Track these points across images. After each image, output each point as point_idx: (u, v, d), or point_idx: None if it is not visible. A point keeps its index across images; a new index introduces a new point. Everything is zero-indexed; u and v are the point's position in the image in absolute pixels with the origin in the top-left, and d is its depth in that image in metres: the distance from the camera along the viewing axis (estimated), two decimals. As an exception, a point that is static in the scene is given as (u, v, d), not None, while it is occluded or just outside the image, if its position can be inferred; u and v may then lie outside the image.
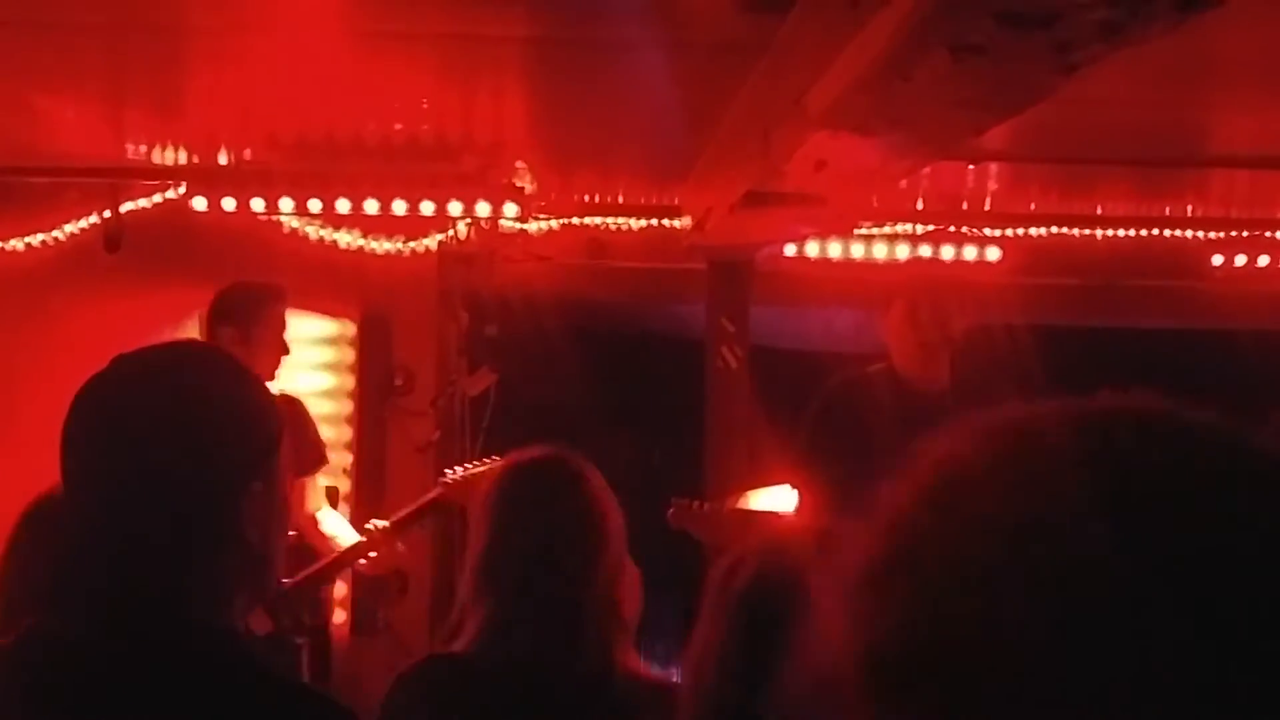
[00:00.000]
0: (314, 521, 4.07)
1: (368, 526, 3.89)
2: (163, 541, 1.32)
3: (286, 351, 3.95)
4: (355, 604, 4.61)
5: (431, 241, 4.77)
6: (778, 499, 3.84)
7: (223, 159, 4.40)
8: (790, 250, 4.75)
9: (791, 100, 2.35)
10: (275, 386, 3.98)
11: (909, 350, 3.55)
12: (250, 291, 3.91)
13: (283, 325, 3.95)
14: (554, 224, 4.87)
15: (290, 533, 3.96)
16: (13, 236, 4.67)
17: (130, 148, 4.33)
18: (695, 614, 1.55)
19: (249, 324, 3.82)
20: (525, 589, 1.95)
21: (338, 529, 4.06)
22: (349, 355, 4.93)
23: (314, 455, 4.09)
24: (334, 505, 4.46)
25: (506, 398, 4.59)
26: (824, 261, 4.83)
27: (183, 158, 4.43)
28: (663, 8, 2.79)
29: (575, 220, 4.90)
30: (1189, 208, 5.03)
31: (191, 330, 4.46)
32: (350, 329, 4.92)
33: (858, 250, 4.82)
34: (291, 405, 4.04)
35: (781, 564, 1.44)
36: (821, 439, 3.53)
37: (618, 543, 2.02)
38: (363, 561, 3.91)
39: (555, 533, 1.98)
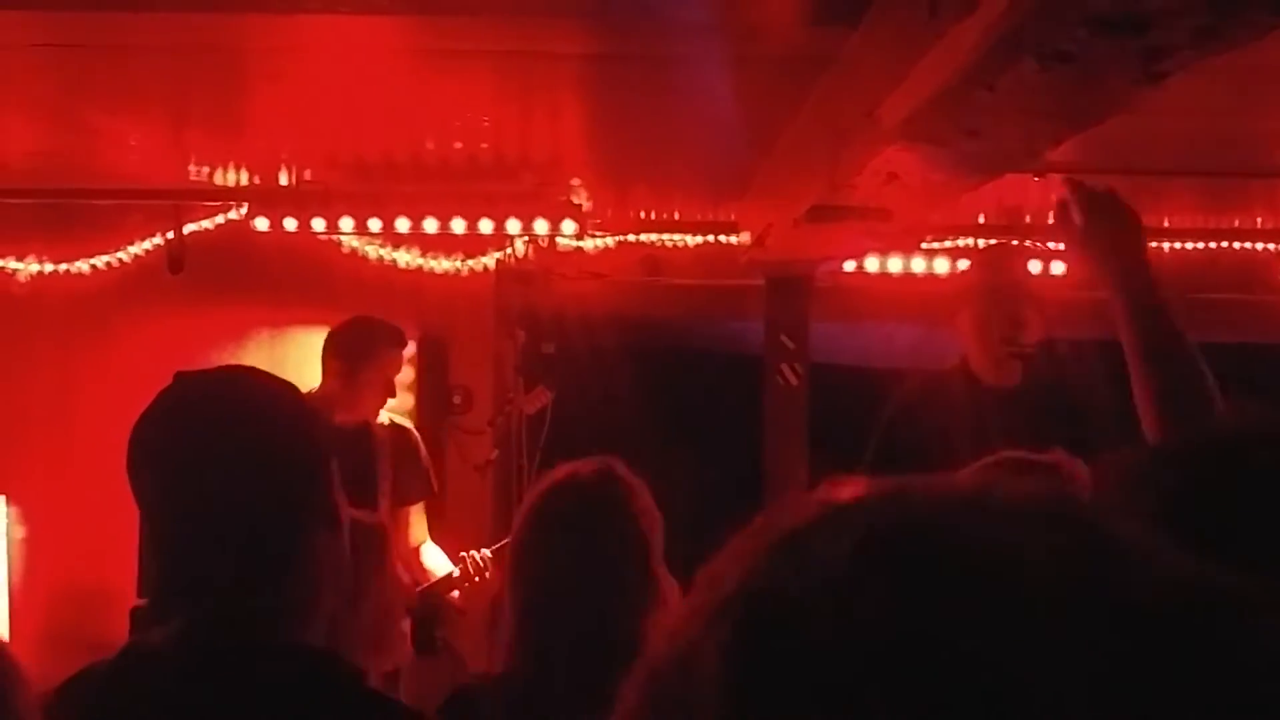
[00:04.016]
0: (416, 553, 4.07)
1: (464, 555, 3.88)
2: (259, 540, 1.33)
3: (392, 394, 3.95)
4: (414, 624, 4.60)
5: (489, 260, 4.77)
6: None
7: (284, 179, 4.42)
8: (850, 265, 4.69)
9: (863, 113, 2.31)
10: (384, 415, 3.99)
11: (979, 361, 3.48)
12: (364, 329, 3.91)
13: (394, 369, 3.94)
14: (610, 241, 4.86)
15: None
16: (78, 258, 4.73)
17: (193, 169, 4.37)
18: None
19: (356, 361, 3.83)
20: (552, 613, 1.91)
21: (437, 563, 4.04)
22: (407, 374, 4.92)
23: (420, 485, 4.09)
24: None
25: (563, 416, 4.56)
26: (884, 276, 4.77)
27: (244, 179, 4.47)
28: (725, 23, 2.76)
29: (632, 237, 4.89)
30: (1259, 219, 4.92)
31: (254, 349, 4.49)
32: (409, 348, 4.92)
33: (919, 265, 4.75)
34: (402, 434, 4.06)
35: None
36: (898, 441, 3.45)
37: (651, 563, 1.96)
38: (457, 592, 3.91)
39: (585, 555, 1.93)
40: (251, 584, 1.33)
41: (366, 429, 3.90)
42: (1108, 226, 1.99)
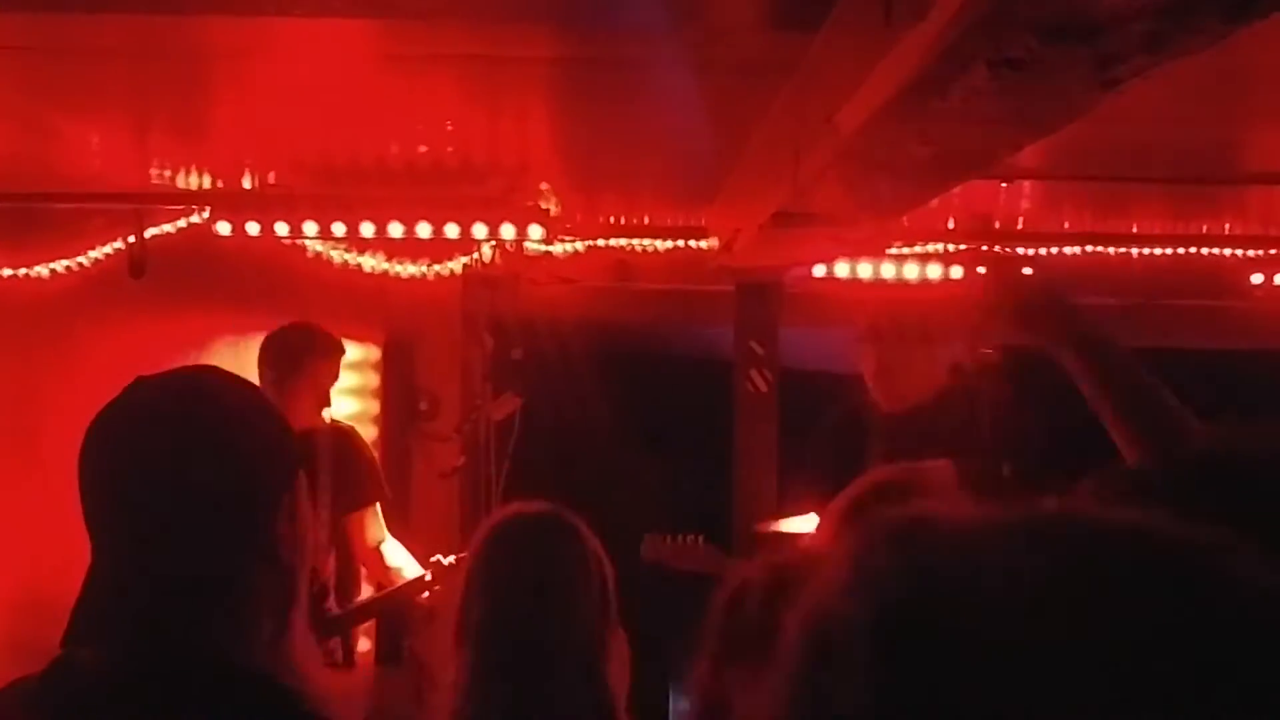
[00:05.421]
0: (378, 555, 4.02)
1: (433, 560, 3.84)
2: (189, 569, 1.30)
3: (326, 404, 3.90)
4: (380, 634, 4.56)
5: (456, 265, 4.73)
6: (804, 525, 3.79)
7: (247, 183, 4.38)
8: (819, 271, 4.69)
9: (822, 119, 2.29)
10: (327, 414, 3.94)
11: (870, 377, 3.54)
12: (294, 339, 3.86)
13: (326, 378, 3.87)
14: (579, 246, 4.83)
15: (317, 564, 3.98)
16: (38, 263, 4.67)
17: (154, 173, 4.32)
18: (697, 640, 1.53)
19: (285, 371, 3.78)
20: (493, 653, 1.89)
21: (402, 561, 4.00)
22: (373, 380, 4.90)
23: (370, 488, 4.03)
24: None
25: (532, 422, 4.54)
26: (854, 282, 4.76)
27: (207, 182, 4.42)
28: (689, 27, 2.75)
29: (601, 242, 4.86)
30: (1226, 225, 4.93)
31: (217, 355, 4.45)
32: (374, 353, 4.89)
33: (888, 271, 4.75)
34: (344, 436, 4.00)
35: (796, 577, 1.40)
36: (825, 463, 3.52)
37: (599, 609, 1.94)
38: (425, 595, 3.87)
39: (529, 594, 1.91)
40: (185, 605, 1.30)
41: (301, 437, 3.84)
42: (1019, 296, 1.95)
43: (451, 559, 3.78)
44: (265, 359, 3.84)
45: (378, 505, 4.05)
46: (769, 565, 1.49)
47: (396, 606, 4.01)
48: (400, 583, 3.92)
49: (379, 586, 4.05)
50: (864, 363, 3.55)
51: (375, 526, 4.04)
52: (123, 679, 1.26)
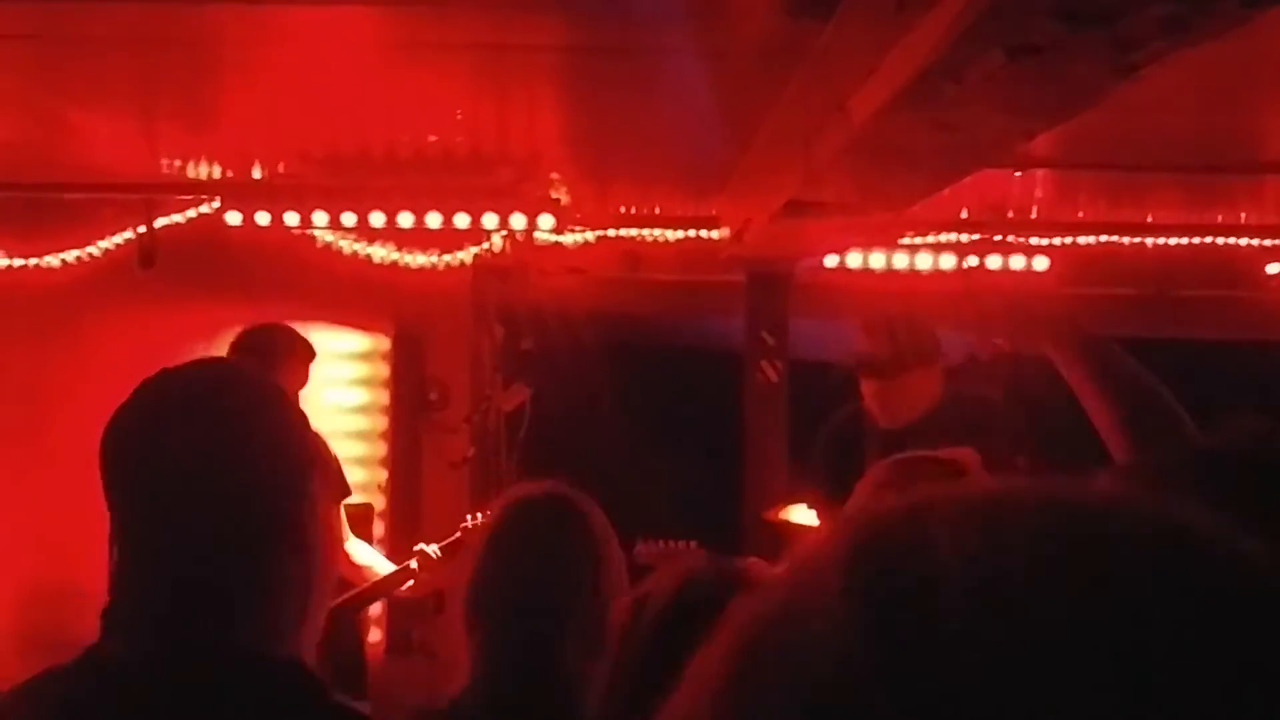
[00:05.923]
0: (344, 554, 4.00)
1: (417, 549, 3.82)
2: (217, 560, 1.29)
3: None
4: (390, 624, 4.56)
5: (466, 255, 4.72)
6: (811, 515, 3.79)
7: (256, 173, 4.37)
8: (831, 261, 4.66)
9: (834, 107, 2.27)
10: None
11: (869, 401, 3.54)
12: (273, 338, 3.80)
13: (297, 384, 3.80)
14: (590, 236, 4.82)
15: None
16: (48, 253, 4.68)
17: (165, 163, 4.32)
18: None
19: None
20: (506, 630, 1.89)
21: (370, 559, 3.98)
22: (383, 370, 4.90)
23: (333, 487, 4.00)
24: (369, 522, 4.40)
25: (542, 413, 4.53)
26: (866, 272, 4.73)
27: (217, 172, 4.42)
28: (700, 14, 2.72)
29: (611, 232, 4.84)
30: (1242, 215, 4.89)
31: (226, 345, 4.44)
32: (384, 344, 4.89)
33: (901, 261, 4.72)
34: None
35: (699, 596, 1.39)
36: (826, 472, 3.54)
37: (611, 586, 1.94)
38: (408, 585, 3.84)
39: (541, 573, 1.91)
40: (213, 595, 1.30)
41: None
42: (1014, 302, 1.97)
43: (435, 548, 3.77)
44: (237, 355, 3.79)
45: (340, 505, 4.03)
46: (676, 576, 1.48)
47: (381, 599, 3.99)
48: (371, 580, 3.88)
49: (343, 584, 4.02)
50: (863, 389, 3.57)
51: (339, 526, 4.02)
52: (153, 669, 1.26)
